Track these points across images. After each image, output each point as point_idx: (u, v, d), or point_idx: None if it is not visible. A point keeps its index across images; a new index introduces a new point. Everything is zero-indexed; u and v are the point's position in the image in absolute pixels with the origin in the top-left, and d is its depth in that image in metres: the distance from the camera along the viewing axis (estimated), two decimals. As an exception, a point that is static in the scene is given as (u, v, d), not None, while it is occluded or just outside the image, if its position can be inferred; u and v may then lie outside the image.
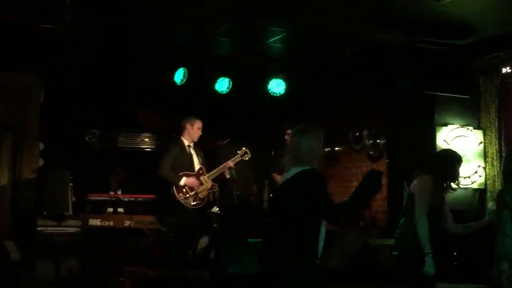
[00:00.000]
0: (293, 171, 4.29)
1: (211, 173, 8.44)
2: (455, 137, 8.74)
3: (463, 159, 5.53)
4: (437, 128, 8.77)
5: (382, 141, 9.69)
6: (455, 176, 5.36)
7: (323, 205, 4.16)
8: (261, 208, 11.02)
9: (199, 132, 8.43)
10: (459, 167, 5.40)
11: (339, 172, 10.45)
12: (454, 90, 8.78)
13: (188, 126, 8.41)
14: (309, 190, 4.18)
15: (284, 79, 9.61)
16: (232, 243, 7.83)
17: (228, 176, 8.48)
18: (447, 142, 8.68)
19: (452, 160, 5.38)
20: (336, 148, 10.46)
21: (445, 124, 8.82)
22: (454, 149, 6.28)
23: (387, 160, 9.48)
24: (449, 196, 5.47)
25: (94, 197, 9.22)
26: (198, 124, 8.43)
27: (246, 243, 7.90)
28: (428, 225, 5.09)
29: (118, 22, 7.66)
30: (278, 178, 9.62)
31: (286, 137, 9.41)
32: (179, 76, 9.20)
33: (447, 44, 8.10)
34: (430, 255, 5.01)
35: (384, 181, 9.51)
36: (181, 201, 8.09)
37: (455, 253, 7.79)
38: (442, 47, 8.09)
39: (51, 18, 7.16)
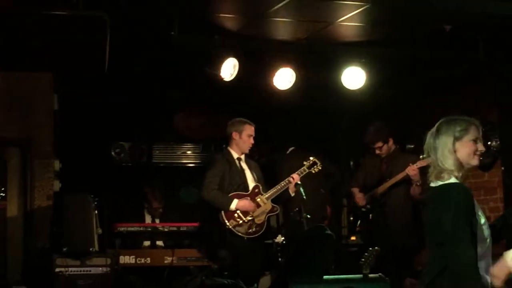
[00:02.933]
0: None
1: (270, 192, 8.32)
2: None
3: None
4: None
5: (495, 144, 9.45)
6: None
7: None
8: (339, 236, 10.87)
9: (251, 141, 8.30)
10: None
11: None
12: None
13: (234, 135, 8.30)
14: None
15: (363, 67, 9.45)
16: (302, 281, 7.68)
17: (293, 195, 8.37)
18: None
19: None
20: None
21: None
22: None
23: (503, 168, 9.30)
24: None
25: (125, 227, 9.20)
26: (248, 130, 8.30)
27: (322, 282, 7.76)
28: None
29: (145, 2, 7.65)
30: (359, 196, 9.48)
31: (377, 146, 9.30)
32: (228, 69, 9.12)
33: None
34: None
35: (498, 195, 9.32)
36: (233, 229, 7.99)
37: None
38: None
39: (61, 3, 7.18)
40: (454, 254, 4.31)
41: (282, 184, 8.35)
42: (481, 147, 4.46)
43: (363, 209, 9.53)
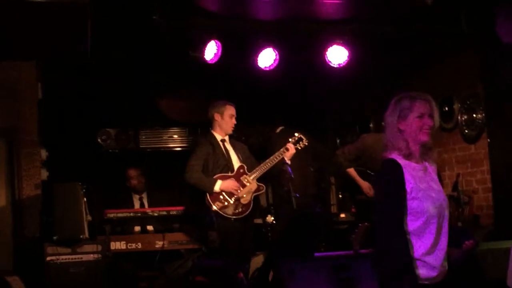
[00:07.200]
0: None
1: (255, 171, 8.29)
2: None
3: None
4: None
5: (480, 116, 9.42)
6: None
7: None
8: (329, 213, 10.86)
9: (233, 121, 8.30)
10: None
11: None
12: None
13: (216, 116, 8.30)
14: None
15: (346, 45, 9.41)
16: (294, 260, 7.67)
17: (289, 162, 8.33)
18: None
19: None
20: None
21: None
22: None
23: (488, 140, 9.24)
24: None
25: (114, 214, 9.16)
26: (229, 110, 8.30)
27: (313, 259, 7.75)
28: None
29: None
30: (367, 186, 9.32)
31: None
32: (211, 51, 9.08)
33: None
34: None
35: (485, 167, 9.31)
36: (220, 211, 7.98)
37: None
38: None
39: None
40: (378, 233, 4.30)
41: (266, 162, 8.32)
42: (428, 122, 4.37)
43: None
